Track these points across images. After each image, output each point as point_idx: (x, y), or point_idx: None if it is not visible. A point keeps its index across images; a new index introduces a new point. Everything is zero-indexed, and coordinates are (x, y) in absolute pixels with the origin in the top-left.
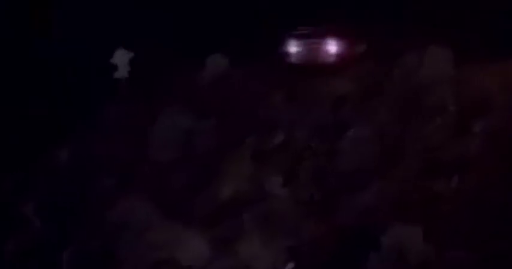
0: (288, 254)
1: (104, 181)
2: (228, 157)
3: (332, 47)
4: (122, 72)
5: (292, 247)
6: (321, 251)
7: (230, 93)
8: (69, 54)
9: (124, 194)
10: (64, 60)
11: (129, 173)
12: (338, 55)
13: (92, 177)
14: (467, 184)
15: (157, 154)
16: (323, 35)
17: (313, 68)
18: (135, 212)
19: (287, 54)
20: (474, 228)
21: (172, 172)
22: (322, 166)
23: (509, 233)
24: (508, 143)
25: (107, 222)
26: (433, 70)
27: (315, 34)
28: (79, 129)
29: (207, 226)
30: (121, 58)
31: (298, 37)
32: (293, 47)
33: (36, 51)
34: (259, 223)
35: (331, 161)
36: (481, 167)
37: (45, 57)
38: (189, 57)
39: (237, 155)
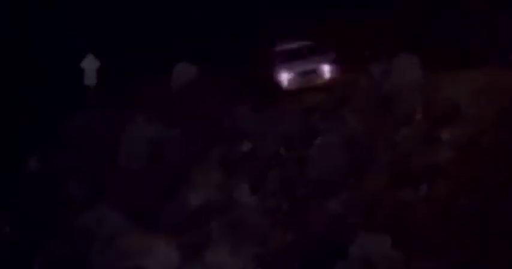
0: (256, 262)
1: (74, 189)
2: (196, 166)
3: (326, 72)
4: (91, 79)
5: (260, 255)
6: (288, 259)
7: (198, 102)
8: (39, 62)
9: (93, 202)
10: (35, 67)
11: (99, 182)
12: (332, 79)
13: (62, 185)
14: (436, 192)
15: (127, 163)
16: (311, 53)
17: None
18: (104, 220)
19: (279, 81)
20: (442, 237)
21: (141, 181)
22: (290, 174)
23: (477, 242)
24: (477, 151)
25: (76, 230)
26: (401, 78)
27: (303, 53)
28: (49, 138)
29: (175, 234)
30: (89, 65)
31: (287, 59)
32: (285, 74)
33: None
34: (228, 231)
35: (300, 169)
36: (449, 175)
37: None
38: (157, 66)
39: (205, 163)
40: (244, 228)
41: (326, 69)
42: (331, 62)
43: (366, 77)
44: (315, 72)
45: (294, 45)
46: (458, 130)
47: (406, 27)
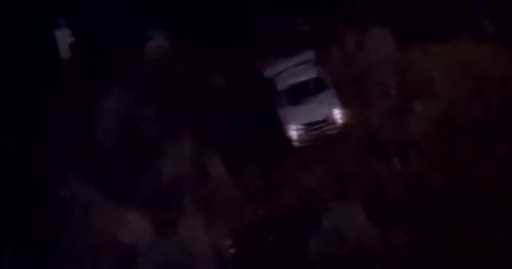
0: (230, 236)
1: (47, 164)
2: (169, 140)
3: (339, 118)
4: (64, 52)
5: (234, 229)
6: (262, 233)
7: (172, 76)
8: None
9: (68, 177)
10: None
11: (73, 157)
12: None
13: (36, 161)
14: (409, 166)
15: (100, 138)
16: (318, 88)
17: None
18: (78, 195)
19: (289, 137)
20: (416, 211)
21: (114, 156)
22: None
23: (451, 216)
24: (450, 125)
25: (50, 205)
26: (375, 52)
27: (309, 89)
28: (22, 113)
29: (149, 209)
30: (64, 38)
31: (292, 100)
32: (294, 130)
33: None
34: (201, 205)
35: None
36: (422, 149)
37: None
38: (130, 39)
39: (179, 137)
40: (218, 202)
41: (338, 115)
42: (342, 104)
43: (340, 50)
44: (327, 120)
45: (297, 78)
46: (431, 104)
47: (379, 1)
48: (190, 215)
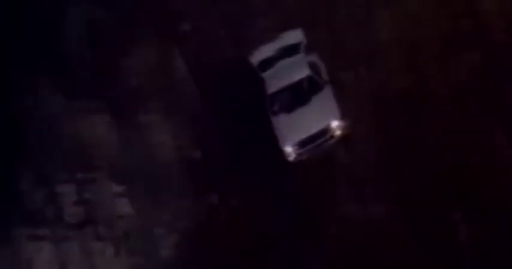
0: (195, 141)
1: (13, 71)
2: (135, 45)
3: (337, 129)
4: None
5: (200, 134)
6: (226, 140)
7: None
8: None
9: (31, 84)
10: None
11: (37, 64)
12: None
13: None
14: (375, 73)
15: (65, 45)
16: (312, 87)
17: None
18: (42, 102)
19: (285, 155)
20: (378, 120)
21: (81, 63)
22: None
23: (412, 124)
24: (417, 32)
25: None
26: None
27: (303, 90)
28: None
29: (114, 114)
30: None
31: (286, 106)
32: (290, 147)
33: None
34: (167, 111)
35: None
36: (388, 56)
37: None
38: None
39: (145, 44)
40: (183, 107)
41: (335, 125)
42: (340, 116)
43: None
44: (325, 131)
45: (288, 79)
46: (397, 12)
47: None
48: (157, 121)
